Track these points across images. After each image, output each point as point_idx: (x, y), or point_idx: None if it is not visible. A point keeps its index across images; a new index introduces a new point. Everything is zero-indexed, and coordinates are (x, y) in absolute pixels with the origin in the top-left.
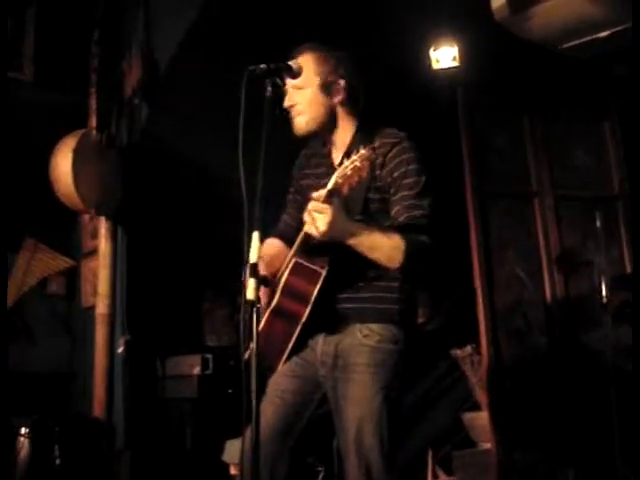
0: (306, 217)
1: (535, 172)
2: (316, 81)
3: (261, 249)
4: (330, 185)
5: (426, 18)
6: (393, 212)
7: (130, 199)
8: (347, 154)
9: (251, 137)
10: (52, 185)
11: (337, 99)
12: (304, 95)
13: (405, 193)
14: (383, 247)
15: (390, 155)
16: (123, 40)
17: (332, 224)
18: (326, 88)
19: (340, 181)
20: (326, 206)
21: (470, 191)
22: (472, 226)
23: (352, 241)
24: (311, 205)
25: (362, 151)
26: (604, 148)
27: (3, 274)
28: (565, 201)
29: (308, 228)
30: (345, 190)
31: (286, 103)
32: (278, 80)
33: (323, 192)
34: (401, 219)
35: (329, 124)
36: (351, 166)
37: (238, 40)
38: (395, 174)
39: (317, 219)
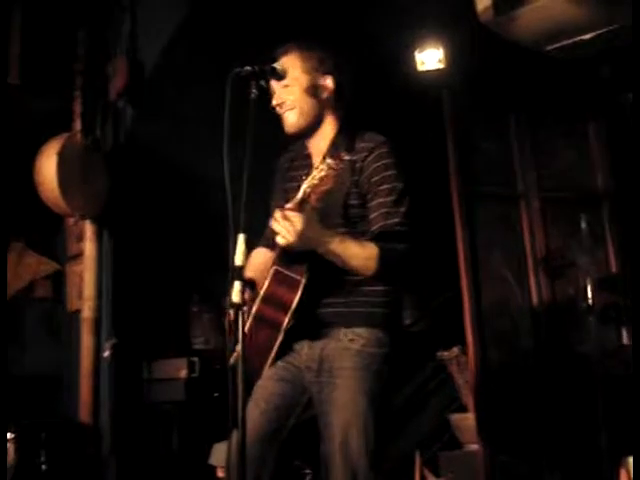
0: (275, 226)
1: (521, 173)
2: (304, 78)
3: (248, 260)
4: (299, 195)
5: (411, 20)
6: (369, 219)
7: (116, 202)
8: (324, 159)
9: (236, 139)
10: (37, 189)
11: (324, 96)
12: (293, 92)
13: (381, 200)
14: (356, 256)
15: (368, 160)
16: (108, 43)
17: (301, 233)
18: (313, 85)
19: (308, 191)
20: (295, 214)
21: (456, 193)
22: (458, 227)
23: (323, 250)
24: (279, 214)
25: (328, 160)
26: (589, 149)
27: (2, 277)
28: (551, 203)
29: (277, 237)
30: (313, 200)
31: (275, 101)
32: (263, 82)
33: (294, 201)
34: (377, 227)
35: (316, 123)
36: (318, 175)
37: (223, 43)
38: (372, 180)
39: (287, 228)
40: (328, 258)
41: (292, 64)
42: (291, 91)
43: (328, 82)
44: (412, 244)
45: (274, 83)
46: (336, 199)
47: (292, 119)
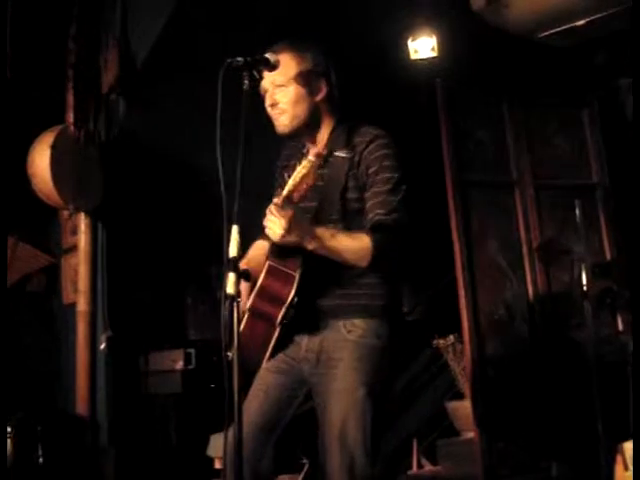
0: (266, 221)
1: (515, 161)
2: (298, 80)
3: (248, 251)
4: (285, 192)
5: (404, 9)
6: (365, 208)
7: (110, 195)
8: (306, 156)
9: (230, 130)
10: (30, 181)
11: (319, 97)
12: (286, 94)
13: (377, 189)
14: (348, 249)
15: (366, 152)
16: (100, 35)
17: (288, 229)
18: (308, 86)
19: (292, 189)
20: (282, 210)
21: (450, 181)
22: (453, 216)
23: (313, 245)
24: (269, 209)
25: (310, 157)
26: (583, 137)
27: (3, 272)
28: (545, 190)
29: (267, 232)
30: (296, 198)
31: (267, 102)
32: (255, 73)
33: (281, 197)
34: (372, 216)
35: (312, 123)
36: (300, 174)
37: (215, 35)
38: (370, 170)
39: (275, 224)
40: (321, 253)
41: (286, 64)
42: (285, 93)
43: (322, 84)
44: (407, 233)
45: (268, 82)
46: (333, 194)
47: (283, 122)
